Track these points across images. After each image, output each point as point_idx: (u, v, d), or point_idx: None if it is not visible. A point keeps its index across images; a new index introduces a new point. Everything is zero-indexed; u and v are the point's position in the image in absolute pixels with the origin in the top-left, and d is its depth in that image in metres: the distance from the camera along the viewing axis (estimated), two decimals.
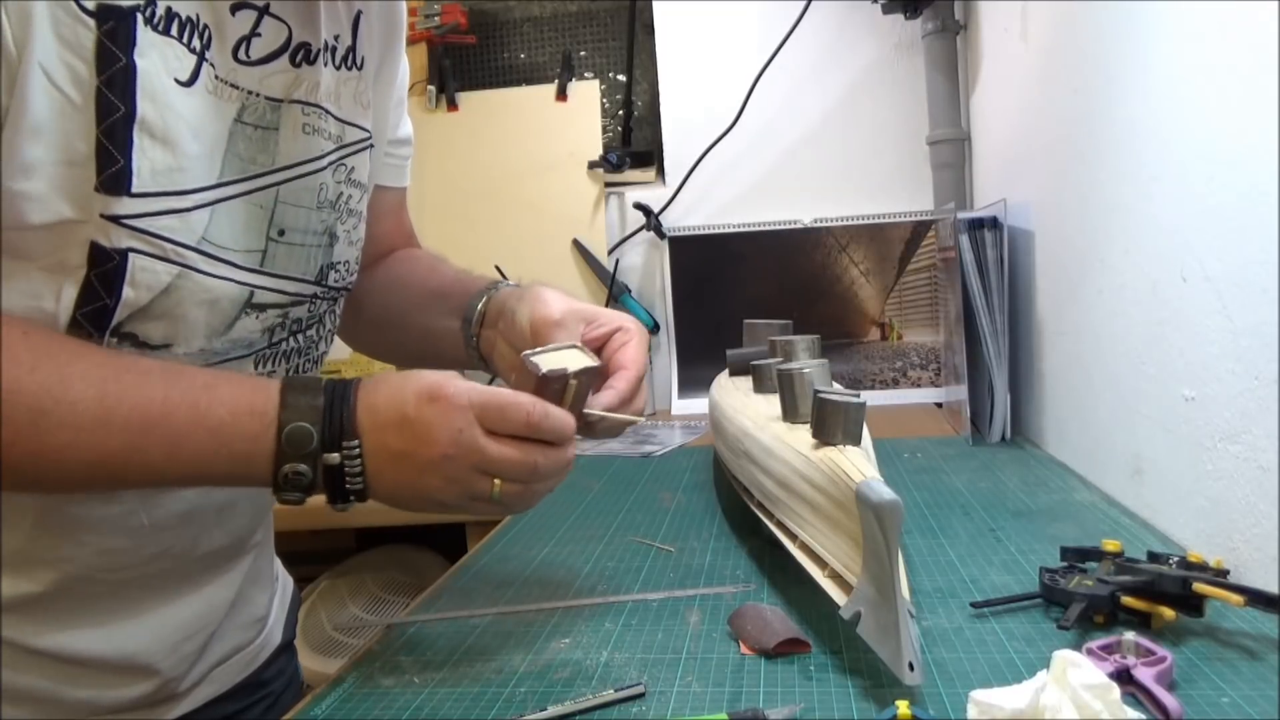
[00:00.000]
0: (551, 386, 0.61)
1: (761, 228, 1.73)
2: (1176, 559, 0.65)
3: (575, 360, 0.64)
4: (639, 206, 1.79)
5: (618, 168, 1.79)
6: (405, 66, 0.83)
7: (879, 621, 0.56)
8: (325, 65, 0.67)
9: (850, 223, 1.71)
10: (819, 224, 1.71)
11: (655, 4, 1.81)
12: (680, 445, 1.37)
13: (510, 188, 1.84)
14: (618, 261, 1.81)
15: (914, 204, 1.72)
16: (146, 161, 0.55)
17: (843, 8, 1.72)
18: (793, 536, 0.70)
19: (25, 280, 0.55)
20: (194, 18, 0.58)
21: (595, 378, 0.66)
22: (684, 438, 1.43)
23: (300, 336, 0.71)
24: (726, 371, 1.12)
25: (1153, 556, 0.67)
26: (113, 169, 0.54)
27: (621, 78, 1.87)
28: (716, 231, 1.75)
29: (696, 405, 1.69)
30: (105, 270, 0.55)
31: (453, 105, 1.87)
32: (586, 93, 1.86)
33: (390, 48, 0.78)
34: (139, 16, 0.55)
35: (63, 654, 0.62)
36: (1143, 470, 0.88)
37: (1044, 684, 0.48)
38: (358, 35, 0.71)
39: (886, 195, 1.73)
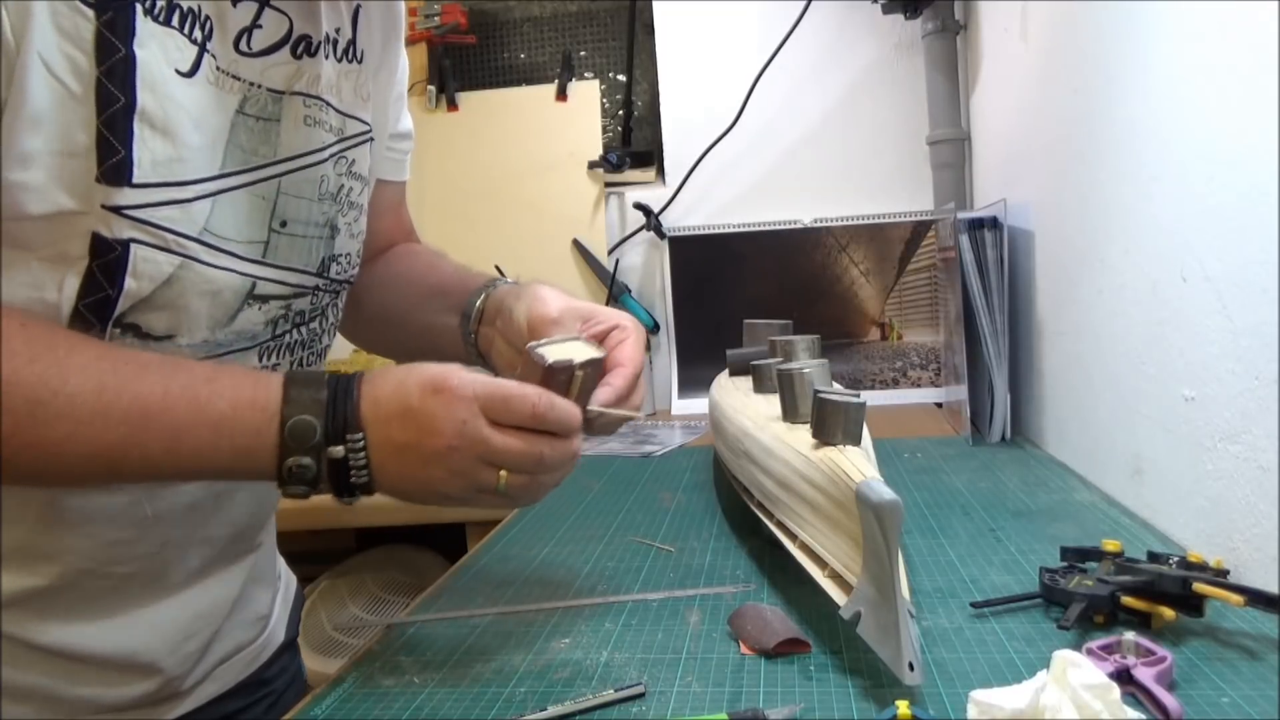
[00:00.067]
0: (557, 378, 0.61)
1: (761, 228, 1.73)
2: (1176, 559, 0.65)
3: (581, 351, 0.63)
4: (639, 206, 1.79)
5: (618, 168, 1.79)
6: (405, 61, 0.83)
7: (879, 621, 0.56)
8: (326, 58, 0.67)
9: (850, 223, 1.71)
10: (819, 224, 1.71)
11: (655, 4, 1.81)
12: (680, 445, 1.37)
13: (510, 188, 1.84)
14: (618, 261, 1.81)
15: (914, 204, 1.72)
16: (147, 152, 0.56)
17: (843, 8, 1.72)
18: (793, 536, 0.70)
19: (26, 271, 0.55)
20: (195, 9, 0.58)
21: (600, 369, 0.65)
22: (684, 438, 1.43)
23: (303, 329, 0.71)
24: (726, 371, 1.12)
25: (1153, 556, 0.67)
26: (114, 159, 0.54)
27: (621, 78, 1.87)
28: (716, 231, 1.75)
29: (696, 405, 1.69)
30: (107, 261, 0.55)
31: (453, 105, 1.87)
32: (586, 93, 1.86)
33: (390, 42, 0.78)
34: (138, 7, 0.55)
35: (65, 650, 0.62)
36: (1143, 470, 0.88)
37: (1044, 684, 0.48)
38: (357, 29, 0.72)
39: (886, 195, 1.73)
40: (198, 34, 0.58)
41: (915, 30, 1.67)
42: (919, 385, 1.66)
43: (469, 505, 0.60)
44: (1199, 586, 0.60)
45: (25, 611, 0.60)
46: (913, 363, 1.67)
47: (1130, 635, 0.56)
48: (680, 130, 1.81)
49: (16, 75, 0.51)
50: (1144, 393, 0.87)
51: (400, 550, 1.70)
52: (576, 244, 1.82)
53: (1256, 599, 0.57)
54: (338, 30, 0.69)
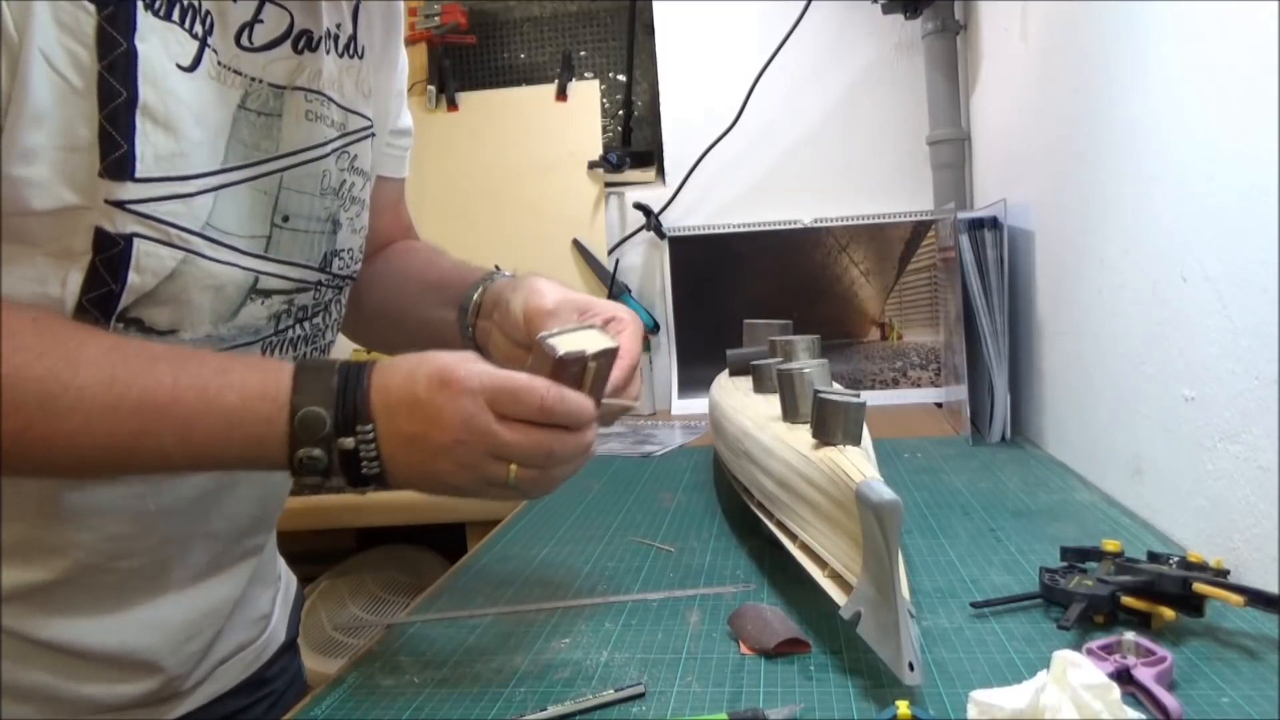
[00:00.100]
0: (569, 369, 0.59)
1: (761, 228, 1.73)
2: (1176, 559, 0.65)
3: (594, 341, 0.61)
4: (639, 206, 1.79)
5: (618, 168, 1.79)
6: (404, 57, 0.84)
7: (879, 621, 0.56)
8: (327, 53, 0.68)
9: (850, 223, 1.71)
10: (819, 224, 1.71)
11: (655, 4, 1.81)
12: (680, 445, 1.37)
13: (510, 188, 1.84)
14: (618, 261, 1.81)
15: (914, 204, 1.72)
16: (149, 146, 0.56)
17: (843, 8, 1.72)
18: (793, 536, 0.70)
19: (31, 266, 0.55)
20: (195, 4, 0.58)
21: (613, 359, 0.63)
22: (684, 438, 1.43)
23: (306, 324, 0.71)
24: (726, 371, 1.12)
25: (1153, 556, 0.67)
26: (116, 154, 0.54)
27: (621, 78, 1.87)
28: (716, 231, 1.75)
29: (696, 405, 1.69)
30: (110, 256, 0.55)
31: (453, 105, 1.87)
32: (586, 93, 1.86)
33: (390, 38, 0.78)
34: (139, 2, 0.55)
35: (68, 647, 0.62)
36: (1143, 470, 0.88)
37: (1044, 684, 0.48)
38: (358, 24, 0.72)
39: (886, 195, 1.73)
40: (198, 29, 0.58)
41: (915, 30, 1.67)
42: (919, 385, 1.66)
43: (480, 497, 0.60)
44: (1199, 586, 0.60)
45: (28, 606, 0.60)
46: (913, 363, 1.67)
47: (1130, 635, 0.56)
48: (680, 130, 1.81)
49: (19, 71, 0.51)
50: (1144, 393, 0.87)
51: (400, 550, 1.70)
52: (576, 244, 1.82)
53: (1256, 599, 0.57)
54: (338, 26, 0.69)
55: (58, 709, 0.63)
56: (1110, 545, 0.69)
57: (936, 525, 0.88)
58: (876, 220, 1.70)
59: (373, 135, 0.75)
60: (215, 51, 0.59)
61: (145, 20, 0.55)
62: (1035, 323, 1.21)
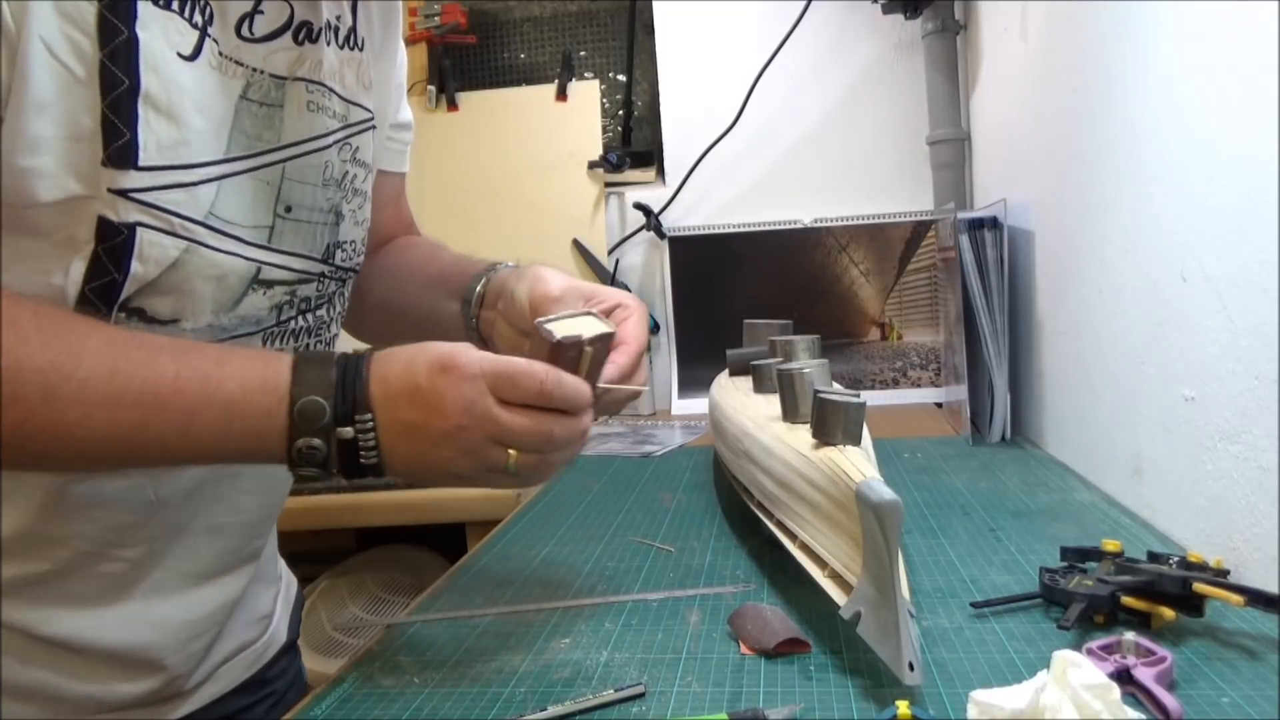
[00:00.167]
0: (566, 354, 0.60)
1: (761, 228, 1.73)
2: (1176, 559, 0.65)
3: (590, 327, 0.62)
4: (639, 206, 1.79)
5: (618, 168, 1.79)
6: (403, 50, 0.84)
7: (879, 621, 0.56)
8: (328, 44, 0.68)
9: (850, 223, 1.71)
10: (819, 224, 1.71)
11: (655, 4, 1.81)
12: (680, 445, 1.37)
13: (510, 188, 1.84)
14: (618, 261, 1.81)
15: (914, 204, 1.72)
16: (152, 135, 0.56)
17: (843, 8, 1.72)
18: (793, 536, 0.70)
19: (34, 256, 0.55)
20: None
21: (610, 345, 0.64)
22: (684, 438, 1.43)
23: (309, 316, 0.71)
24: (726, 371, 1.12)
25: (1153, 556, 0.67)
26: (119, 142, 0.55)
27: (621, 78, 1.87)
28: (716, 231, 1.75)
29: (696, 405, 1.69)
30: (113, 245, 0.55)
31: (453, 105, 1.87)
32: (586, 93, 1.86)
33: (388, 30, 0.78)
34: None
35: (69, 642, 0.62)
36: (1143, 470, 0.88)
37: (1044, 684, 0.48)
38: (357, 17, 0.72)
39: (886, 195, 1.73)
40: (198, 18, 0.58)
41: (915, 30, 1.67)
42: (919, 385, 1.66)
43: (479, 485, 0.60)
44: (1199, 586, 0.60)
45: (29, 600, 0.60)
46: (913, 363, 1.67)
47: (1130, 635, 0.56)
48: (680, 130, 1.81)
49: (19, 60, 0.51)
50: (1144, 393, 0.87)
51: (400, 550, 1.70)
52: (576, 244, 1.82)
53: (1256, 599, 0.57)
54: (338, 17, 0.69)
55: (59, 708, 0.63)
56: (1110, 545, 0.69)
57: (936, 525, 0.88)
58: (876, 220, 1.70)
59: (374, 127, 0.75)
60: (216, 42, 0.60)
61: (145, 9, 0.55)
62: (1035, 323, 1.21)
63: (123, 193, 0.55)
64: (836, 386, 0.74)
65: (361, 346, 0.79)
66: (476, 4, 1.91)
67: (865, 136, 1.76)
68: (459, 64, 1.91)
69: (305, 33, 0.65)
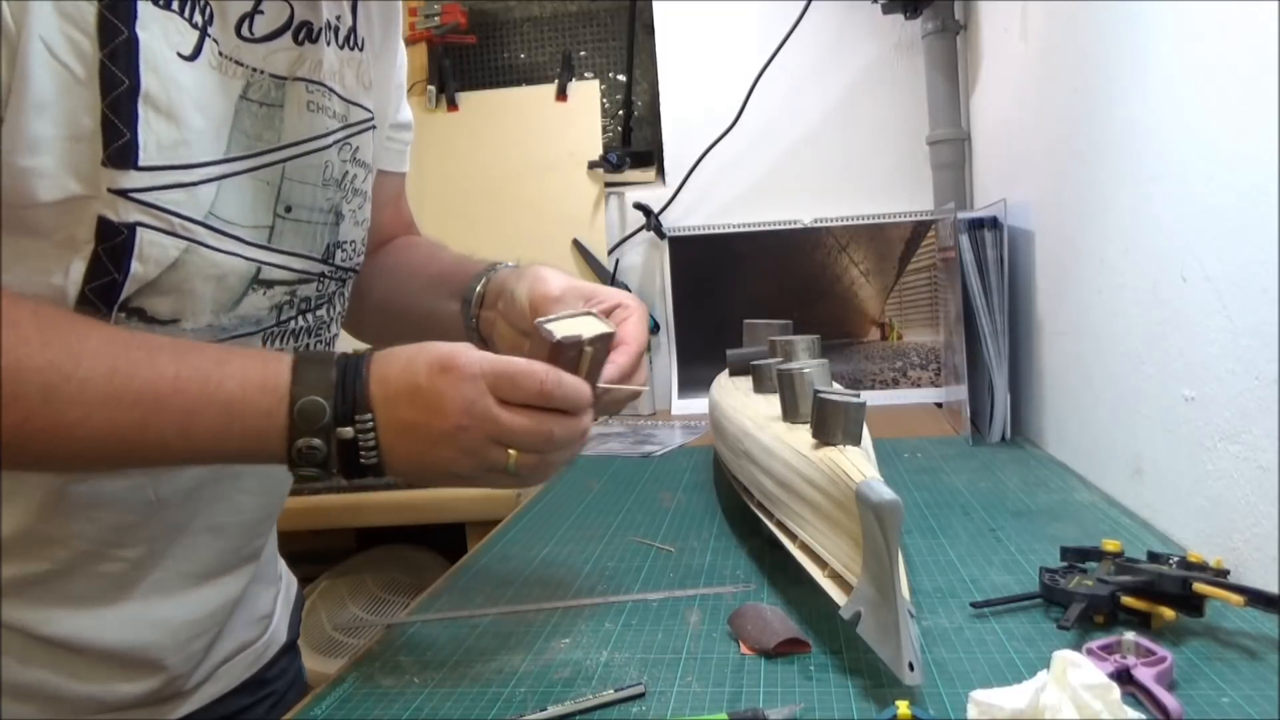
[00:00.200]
0: (566, 354, 0.60)
1: (761, 228, 1.73)
2: (1176, 559, 0.65)
3: (590, 327, 0.62)
4: (639, 206, 1.79)
5: (618, 168, 1.79)
6: (403, 51, 0.84)
7: (879, 621, 0.56)
8: (328, 44, 0.68)
9: (850, 223, 1.71)
10: (819, 224, 1.71)
11: (655, 4, 1.81)
12: (680, 445, 1.37)
13: (510, 188, 1.84)
14: (618, 261, 1.81)
15: (914, 204, 1.72)
16: (152, 135, 0.56)
17: (843, 8, 1.72)
18: (793, 536, 0.70)
19: (34, 256, 0.55)
20: None
21: (610, 345, 0.64)
22: (684, 438, 1.43)
23: (309, 316, 0.71)
24: (726, 371, 1.12)
25: (1153, 556, 0.67)
26: (119, 142, 0.55)
27: (621, 78, 1.87)
28: (716, 231, 1.75)
29: (696, 405, 1.69)
30: (113, 245, 0.55)
31: (453, 105, 1.87)
32: (586, 93, 1.86)
33: (388, 31, 0.79)
34: None
35: (70, 642, 0.62)
36: (1143, 470, 0.88)
37: (1044, 684, 0.48)
38: (357, 17, 0.72)
39: (886, 195, 1.73)
40: (198, 18, 0.58)
41: (915, 30, 1.67)
42: (919, 385, 1.66)
43: (478, 485, 0.60)
44: (1199, 586, 0.60)
45: (30, 600, 0.60)
46: (913, 363, 1.67)
47: (1130, 635, 0.56)
48: (680, 130, 1.81)
49: (19, 60, 0.51)
50: (1144, 393, 0.87)
51: (400, 550, 1.70)
52: (576, 244, 1.82)
53: (1256, 599, 0.57)
54: (338, 17, 0.69)
55: (59, 708, 0.63)
56: (1110, 545, 0.69)
57: (936, 525, 0.88)
58: (876, 220, 1.70)
59: (374, 127, 0.75)
60: (216, 42, 0.60)
61: (145, 9, 0.55)
62: (1035, 323, 1.21)
63: (123, 193, 0.55)
64: (836, 386, 0.74)
65: (362, 346, 0.79)
66: (476, 4, 1.91)
67: (865, 136, 1.76)
68: (459, 64, 1.91)
69: (305, 33, 0.66)
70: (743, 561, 0.82)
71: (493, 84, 1.92)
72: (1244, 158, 0.67)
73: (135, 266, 0.56)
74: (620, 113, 1.86)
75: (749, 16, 1.77)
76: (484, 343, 0.78)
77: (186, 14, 0.58)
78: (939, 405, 1.58)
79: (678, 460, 1.27)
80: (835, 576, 0.63)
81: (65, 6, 0.52)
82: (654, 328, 1.78)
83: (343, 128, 0.70)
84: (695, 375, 1.72)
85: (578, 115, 1.85)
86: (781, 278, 1.72)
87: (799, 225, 1.72)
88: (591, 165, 1.81)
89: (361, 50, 0.72)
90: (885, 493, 0.56)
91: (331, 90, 0.69)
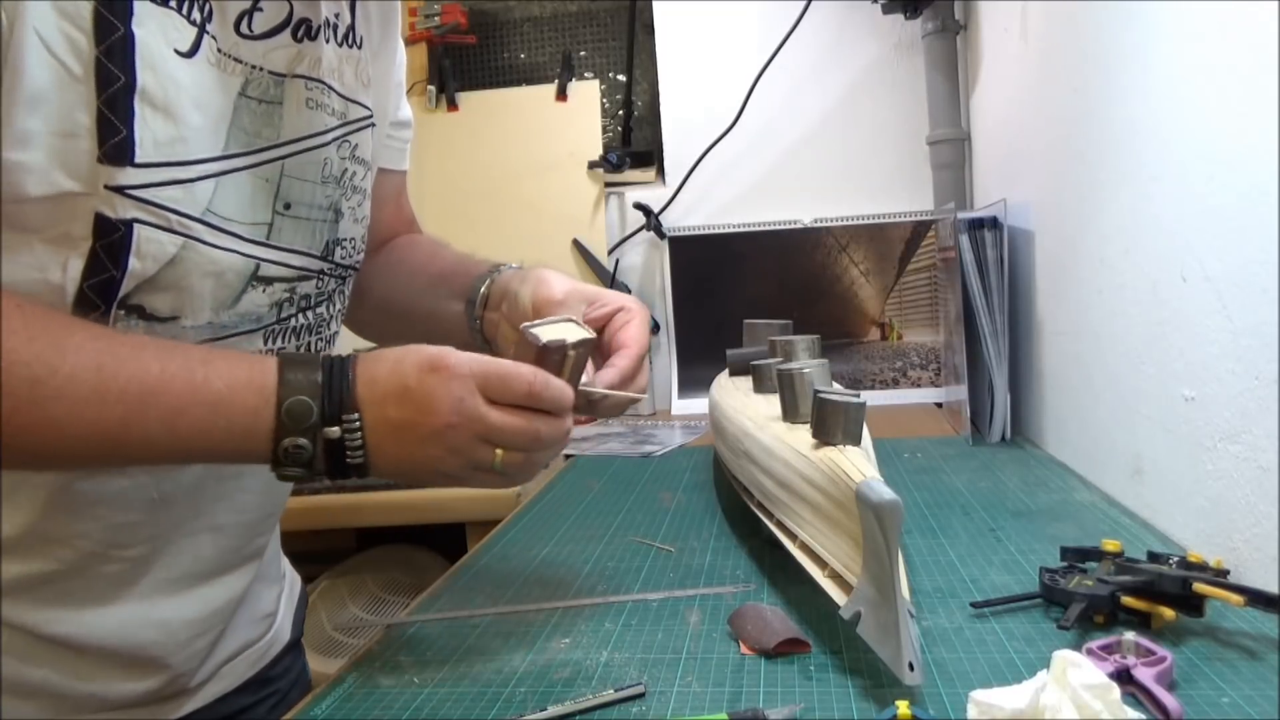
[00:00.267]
0: (551, 357, 0.62)
1: (761, 228, 1.73)
2: (1176, 559, 0.65)
3: (572, 332, 0.65)
4: (639, 206, 1.79)
5: (618, 168, 1.79)
6: (402, 49, 0.84)
7: (879, 621, 0.56)
8: (327, 42, 0.68)
9: (850, 223, 1.71)
10: (819, 224, 1.71)
11: (655, 4, 1.81)
12: (680, 445, 1.37)
13: (510, 188, 1.84)
14: (618, 261, 1.81)
15: (914, 204, 1.72)
16: (149, 132, 0.56)
17: (843, 8, 1.72)
18: (793, 536, 0.70)
19: (30, 253, 0.55)
20: None
21: (592, 350, 0.67)
22: (684, 438, 1.43)
23: (309, 314, 0.71)
24: (726, 371, 1.12)
25: (1153, 556, 0.67)
26: (115, 139, 0.55)
27: (621, 78, 1.87)
28: (716, 231, 1.75)
29: (696, 405, 1.69)
30: (110, 241, 0.56)
31: (453, 105, 1.87)
32: (586, 93, 1.86)
33: (387, 28, 0.79)
34: None
35: (72, 641, 0.62)
36: (1143, 470, 0.88)
37: (1044, 684, 0.48)
38: (355, 14, 0.72)
39: (886, 195, 1.73)
40: (196, 15, 0.59)
41: (915, 30, 1.67)
42: (919, 385, 1.66)
43: (464, 484, 0.61)
44: (1199, 586, 0.60)
45: (34, 599, 0.60)
46: (913, 363, 1.67)
47: (1130, 635, 0.56)
48: (680, 130, 1.81)
49: (11, 55, 0.51)
50: (1144, 393, 0.87)
51: (400, 550, 1.70)
52: (576, 244, 1.82)
53: (1256, 599, 0.57)
54: (337, 15, 0.69)
55: (61, 707, 0.63)
56: (1110, 545, 0.69)
57: (936, 525, 0.88)
58: (876, 220, 1.70)
59: (373, 125, 0.75)
60: (214, 39, 0.60)
61: (142, 6, 0.55)
62: (1035, 323, 1.21)
63: (119, 189, 0.55)
64: (836, 386, 0.74)
65: (363, 345, 0.80)
66: (476, 4, 1.91)
67: (865, 136, 1.76)
68: (459, 64, 1.91)
69: (304, 30, 0.66)
70: (743, 561, 0.82)
71: (493, 84, 1.92)
72: (1244, 158, 0.67)
73: (133, 263, 0.56)
74: (620, 113, 1.86)
75: (749, 16, 1.77)
76: (488, 344, 0.78)
77: (185, 11, 0.58)
78: (939, 405, 1.58)
79: (678, 460, 1.27)
80: (835, 576, 0.63)
81: (63, 5, 0.52)
82: (654, 328, 1.78)
83: (341, 125, 0.70)
84: (695, 375, 1.72)
85: (578, 115, 1.85)
86: (781, 278, 1.72)
87: (799, 225, 1.72)
88: (591, 165, 1.81)
89: (360, 48, 0.73)
90: (885, 493, 0.56)
91: (330, 87, 0.69)
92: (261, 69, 0.63)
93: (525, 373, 0.59)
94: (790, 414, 0.76)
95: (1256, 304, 0.66)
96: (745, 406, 0.88)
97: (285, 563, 0.86)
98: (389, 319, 0.87)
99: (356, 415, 0.57)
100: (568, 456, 1.34)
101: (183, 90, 0.57)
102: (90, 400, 0.52)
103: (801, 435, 0.70)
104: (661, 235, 1.76)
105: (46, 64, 0.52)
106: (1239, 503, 0.70)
